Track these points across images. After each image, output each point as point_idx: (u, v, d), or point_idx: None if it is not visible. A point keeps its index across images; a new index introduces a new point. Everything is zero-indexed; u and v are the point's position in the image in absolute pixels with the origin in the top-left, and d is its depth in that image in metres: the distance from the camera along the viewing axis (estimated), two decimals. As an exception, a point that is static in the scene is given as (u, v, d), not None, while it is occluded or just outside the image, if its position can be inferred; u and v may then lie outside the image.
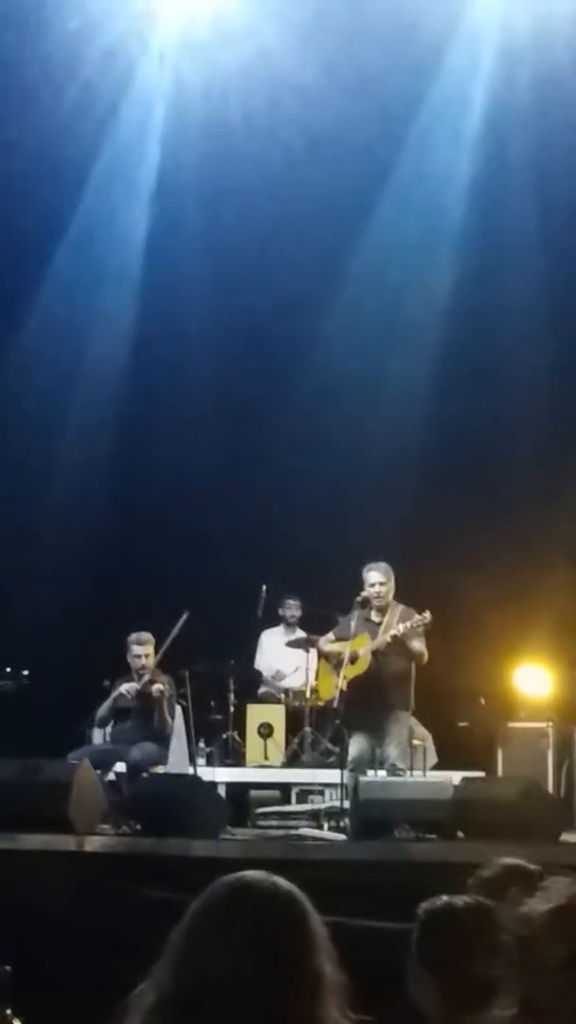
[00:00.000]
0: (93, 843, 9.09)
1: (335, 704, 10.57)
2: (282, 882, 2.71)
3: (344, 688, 10.45)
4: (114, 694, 11.17)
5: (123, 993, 2.66)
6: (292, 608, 12.74)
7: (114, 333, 14.42)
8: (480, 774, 10.90)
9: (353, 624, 10.60)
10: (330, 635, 11.05)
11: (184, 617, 11.15)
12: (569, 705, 11.29)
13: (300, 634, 12.26)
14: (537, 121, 13.46)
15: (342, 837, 9.82)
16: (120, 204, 14.50)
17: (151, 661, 11.25)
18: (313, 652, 11.61)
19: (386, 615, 10.61)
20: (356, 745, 10.55)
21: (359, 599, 10.65)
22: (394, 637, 10.37)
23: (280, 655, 12.53)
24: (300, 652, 12.03)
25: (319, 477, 13.76)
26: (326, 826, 10.42)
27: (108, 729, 11.38)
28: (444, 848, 8.85)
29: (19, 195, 13.87)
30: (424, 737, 11.68)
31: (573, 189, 13.43)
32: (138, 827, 9.62)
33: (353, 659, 10.45)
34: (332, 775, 10.92)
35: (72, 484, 14.20)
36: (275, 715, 12.12)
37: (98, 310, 14.46)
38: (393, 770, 10.40)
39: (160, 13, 14.05)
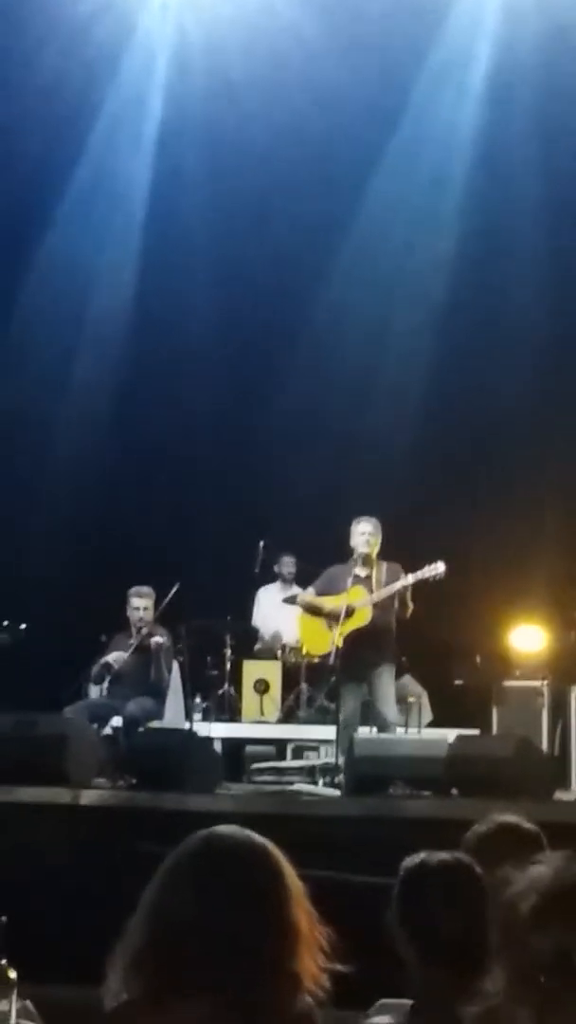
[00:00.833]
0: (89, 797, 9.13)
1: (332, 660, 10.57)
2: (253, 835, 2.73)
3: (340, 644, 10.44)
4: (103, 660, 11.17)
5: (117, 945, 2.68)
6: (288, 565, 12.76)
7: (116, 287, 14.39)
8: (475, 732, 10.93)
9: (349, 580, 10.58)
10: (311, 589, 11.03)
11: (175, 588, 11.16)
12: (564, 664, 11.32)
13: (297, 591, 12.27)
14: (541, 78, 13.38)
15: (337, 793, 9.85)
16: (122, 157, 14.45)
17: (150, 615, 11.26)
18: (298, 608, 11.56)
19: (373, 570, 10.61)
20: (350, 700, 10.56)
21: (357, 555, 10.63)
22: (404, 587, 10.36)
23: (276, 612, 12.55)
24: (296, 609, 12.03)
25: (317, 434, 13.74)
26: (321, 782, 10.45)
27: (104, 683, 11.40)
28: (438, 805, 8.88)
29: (21, 148, 13.82)
30: (419, 694, 11.72)
31: (577, 147, 13.38)
32: (134, 781, 9.65)
33: (349, 613, 10.44)
34: (327, 731, 10.95)
35: (72, 438, 14.20)
36: (271, 671, 12.16)
37: (100, 263, 14.43)
38: (385, 725, 10.42)
39: (161, -36, 13.98)
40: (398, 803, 9.05)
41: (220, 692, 12.19)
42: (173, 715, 11.43)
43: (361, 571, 10.60)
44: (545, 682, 11.22)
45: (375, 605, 10.45)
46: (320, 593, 10.86)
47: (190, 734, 10.66)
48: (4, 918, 3.95)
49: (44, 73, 13.68)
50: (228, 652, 12.28)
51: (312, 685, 11.95)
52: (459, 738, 9.92)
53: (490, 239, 13.56)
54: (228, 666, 12.27)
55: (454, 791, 9.22)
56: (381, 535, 10.68)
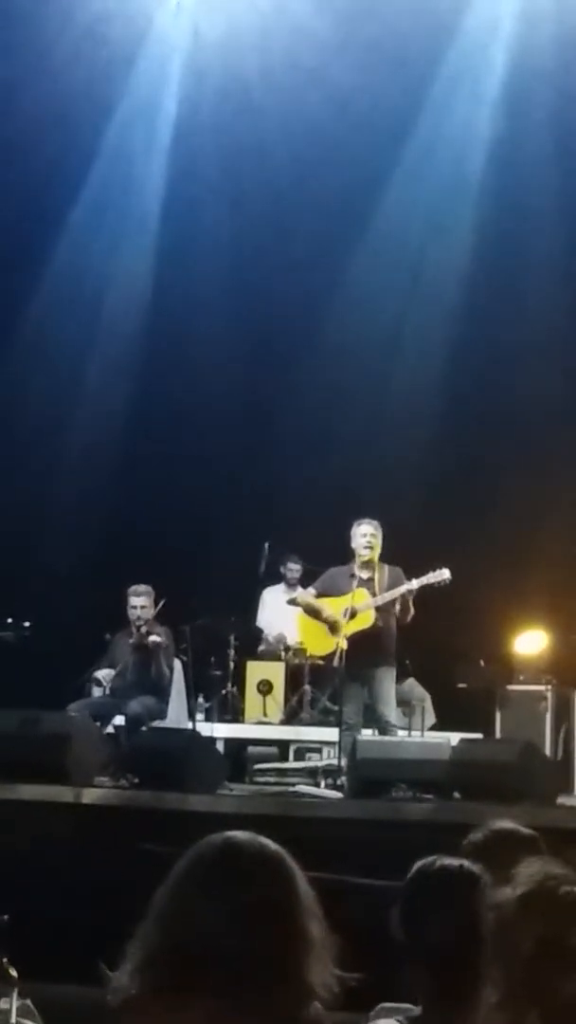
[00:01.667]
0: (91, 795, 9.14)
1: (336, 663, 10.57)
2: (269, 843, 2.72)
3: (344, 647, 10.43)
4: (94, 676, 11.18)
5: (118, 945, 2.68)
6: (293, 567, 12.74)
7: (130, 288, 14.40)
8: (478, 736, 10.92)
9: (353, 582, 10.57)
10: (311, 589, 11.02)
11: (163, 602, 11.18)
12: (568, 668, 11.31)
13: (300, 591, 12.26)
14: (557, 82, 13.38)
15: (339, 795, 9.85)
16: (137, 158, 14.45)
17: (148, 613, 11.26)
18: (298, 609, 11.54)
19: (375, 572, 10.60)
20: (352, 703, 10.56)
21: (358, 557, 10.63)
22: (410, 590, 10.35)
23: (281, 613, 12.54)
24: (301, 610, 12.02)
25: (326, 437, 13.74)
26: (323, 784, 10.44)
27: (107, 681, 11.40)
28: (440, 808, 8.88)
29: (36, 150, 13.82)
30: (423, 698, 11.71)
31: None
32: (136, 780, 9.66)
33: (353, 614, 10.43)
34: (330, 733, 10.94)
35: (80, 438, 14.21)
36: (275, 672, 12.15)
37: (115, 265, 14.43)
38: (387, 727, 10.42)
39: (176, -36, 13.99)
40: (400, 806, 9.05)
41: (223, 692, 12.18)
42: (176, 715, 11.43)
43: (363, 573, 10.60)
44: (549, 686, 11.21)
45: (377, 608, 10.45)
46: (320, 594, 10.85)
47: (193, 734, 10.66)
48: (5, 917, 3.96)
49: (58, 74, 13.68)
50: (232, 653, 12.27)
51: (315, 687, 11.94)
52: (462, 742, 9.91)
53: (506, 243, 13.54)
54: (232, 667, 12.27)
55: (456, 795, 9.22)
56: (382, 537, 10.67)
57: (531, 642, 11.82)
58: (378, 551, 10.63)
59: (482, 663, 11.66)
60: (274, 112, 13.72)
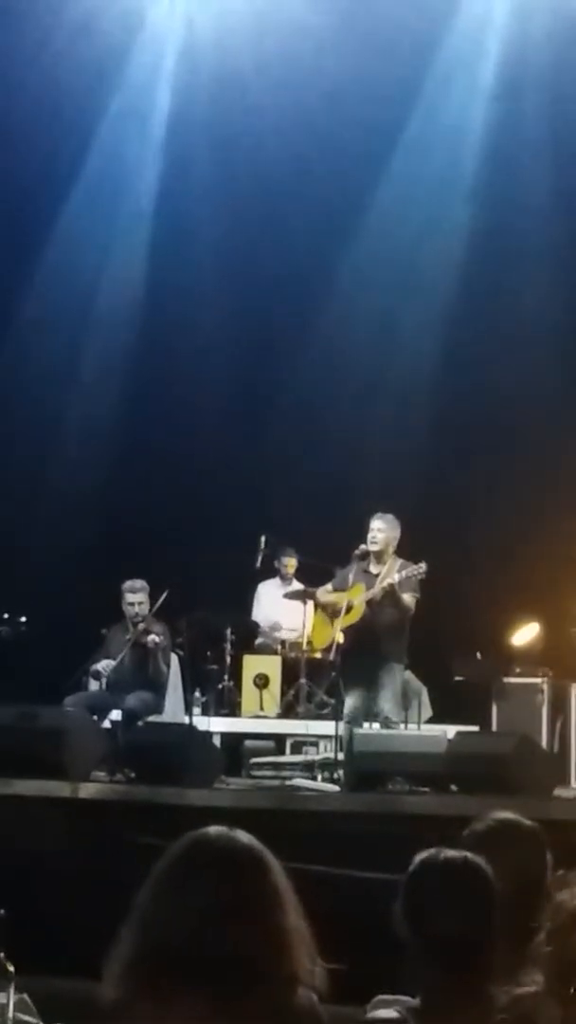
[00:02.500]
0: (88, 790, 9.14)
1: (332, 656, 10.58)
2: (242, 836, 2.71)
3: (340, 640, 10.46)
4: (92, 668, 11.16)
5: (115, 940, 2.68)
6: (286, 561, 12.73)
7: (124, 280, 14.38)
8: (475, 728, 10.93)
9: (351, 576, 10.60)
10: (328, 586, 11.05)
11: (165, 594, 11.16)
12: (564, 660, 11.31)
13: (297, 586, 12.28)
14: (551, 74, 13.36)
15: (336, 788, 9.86)
16: (131, 150, 14.42)
17: (145, 608, 11.25)
18: (311, 604, 11.60)
19: (385, 567, 10.61)
20: (351, 697, 10.57)
21: (358, 551, 10.64)
22: (390, 586, 10.36)
23: (277, 607, 12.55)
24: (297, 604, 12.04)
25: (321, 430, 13.74)
26: (320, 777, 10.46)
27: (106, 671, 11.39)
28: (437, 801, 8.90)
29: (30, 142, 13.80)
30: (419, 690, 11.72)
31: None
32: (133, 775, 9.66)
33: (348, 608, 10.45)
34: (327, 727, 10.95)
35: (75, 431, 14.20)
36: (271, 666, 12.15)
37: (109, 258, 14.41)
38: (387, 723, 10.42)
39: (170, -42, 13.98)
40: (397, 799, 9.07)
41: (220, 686, 12.18)
42: (172, 709, 11.43)
43: (374, 568, 10.62)
44: (545, 679, 11.21)
45: (368, 603, 10.47)
46: (336, 589, 10.89)
47: (189, 728, 10.66)
48: (2, 911, 3.96)
49: (51, 68, 13.66)
50: (228, 647, 12.27)
51: (312, 680, 11.96)
52: (459, 735, 9.93)
53: (500, 235, 13.53)
54: (228, 660, 12.27)
55: (453, 787, 9.23)
56: (398, 532, 10.66)
57: (527, 634, 11.83)
58: (389, 546, 10.62)
59: (479, 656, 11.67)
60: (268, 105, 13.70)
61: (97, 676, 11.15)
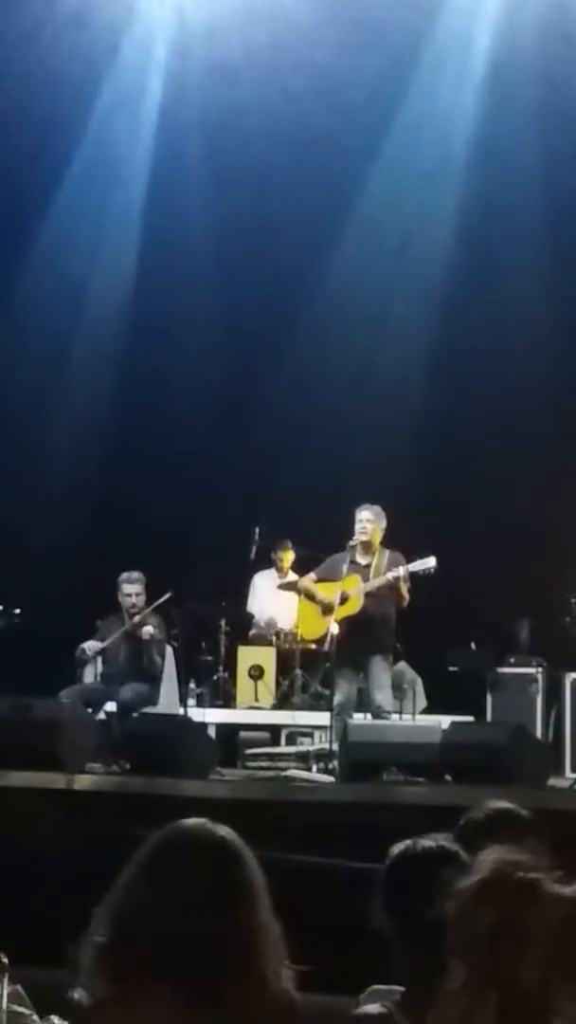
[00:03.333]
0: (83, 781, 9.14)
1: (327, 647, 10.58)
2: (219, 829, 2.70)
3: (335, 631, 10.45)
4: (81, 648, 11.15)
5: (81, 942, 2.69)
6: (280, 551, 12.72)
7: (115, 270, 14.36)
8: (469, 718, 10.95)
9: (345, 567, 10.60)
10: (312, 575, 11.05)
11: (167, 595, 11.16)
12: (559, 651, 11.33)
13: (292, 577, 12.27)
14: (541, 64, 13.36)
15: (331, 779, 9.86)
16: (122, 141, 14.40)
17: (142, 600, 11.25)
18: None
19: (374, 558, 10.62)
20: (344, 687, 10.57)
21: (353, 543, 10.65)
22: (396, 579, 10.37)
23: (272, 598, 12.54)
24: (292, 595, 12.03)
25: (316, 421, 13.73)
26: (315, 768, 10.47)
27: (99, 668, 11.39)
28: (432, 791, 8.90)
29: (21, 132, 13.78)
30: (414, 681, 11.73)
31: (577, 131, 13.36)
32: (128, 766, 9.66)
33: (343, 600, 10.45)
34: (322, 717, 10.96)
35: (69, 422, 14.18)
36: (266, 657, 12.15)
37: (100, 247, 14.39)
38: (379, 713, 10.43)
39: (161, -51, 13.96)
40: (392, 789, 9.07)
41: (215, 678, 12.18)
42: (167, 700, 11.43)
43: (362, 559, 10.63)
44: (539, 669, 11.23)
45: (367, 594, 10.47)
46: (320, 579, 10.89)
47: (184, 719, 10.67)
48: (-4, 902, 3.95)
49: (43, 56, 13.64)
50: (223, 638, 12.27)
51: (307, 671, 11.95)
52: (453, 725, 9.93)
53: (490, 224, 13.53)
54: (223, 652, 12.26)
55: (448, 777, 9.24)
56: (384, 523, 10.68)
57: (521, 624, 11.84)
58: (376, 536, 10.65)
59: (473, 646, 11.68)
60: (258, 95, 13.69)
61: (83, 655, 11.11)
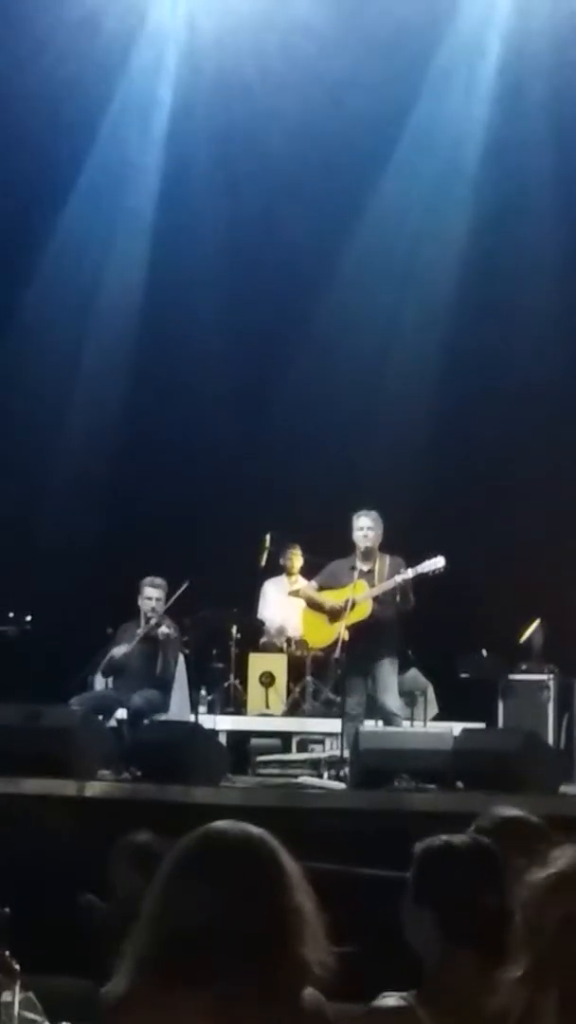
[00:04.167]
0: (94, 788, 9.14)
1: (337, 654, 10.58)
2: (251, 828, 2.74)
3: (345, 638, 10.46)
4: (109, 654, 11.15)
5: (124, 936, 2.68)
6: (290, 557, 12.71)
7: (126, 278, 14.38)
8: (480, 725, 10.92)
9: (355, 573, 10.61)
10: (313, 583, 11.06)
11: (185, 584, 11.17)
12: (570, 657, 11.29)
13: (301, 583, 12.25)
14: (552, 71, 13.37)
15: (342, 786, 9.85)
16: (132, 149, 14.43)
17: (162, 606, 11.29)
18: (301, 601, 11.56)
19: (375, 563, 10.64)
20: (354, 694, 10.57)
21: (357, 550, 10.66)
22: (405, 581, 10.38)
23: (283, 605, 12.52)
24: (302, 602, 12.02)
25: (326, 426, 13.74)
26: (326, 775, 10.46)
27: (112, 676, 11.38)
28: (443, 798, 8.88)
29: (32, 141, 13.80)
30: (425, 687, 11.71)
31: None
32: (139, 773, 9.66)
33: (352, 606, 10.47)
34: (333, 724, 10.94)
35: (80, 429, 14.19)
36: (277, 664, 12.13)
37: (110, 255, 14.41)
38: (389, 717, 10.43)
39: (172, -43, 13.98)
40: (403, 796, 9.06)
41: (225, 685, 12.17)
42: (178, 708, 11.43)
43: (364, 565, 10.65)
44: (551, 675, 11.20)
45: (375, 599, 10.48)
46: (322, 587, 10.91)
47: (195, 727, 10.66)
48: (7, 910, 3.96)
49: (54, 65, 13.66)
50: (233, 645, 12.26)
51: (318, 678, 11.93)
52: (465, 731, 9.91)
53: (501, 231, 13.53)
54: (233, 659, 12.25)
55: (459, 784, 9.22)
56: (382, 528, 10.71)
57: (533, 631, 11.81)
58: (377, 542, 10.67)
59: (484, 652, 11.66)
60: (269, 102, 13.71)
61: (112, 660, 11.13)
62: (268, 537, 12.60)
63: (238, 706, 12.10)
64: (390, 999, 3.34)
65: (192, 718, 11.17)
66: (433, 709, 11.76)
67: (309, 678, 11.89)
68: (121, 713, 11.01)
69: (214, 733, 10.86)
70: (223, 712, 11.88)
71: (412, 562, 10.55)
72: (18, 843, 7.94)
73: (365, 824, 8.35)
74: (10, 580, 12.52)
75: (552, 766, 9.53)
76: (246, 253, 13.85)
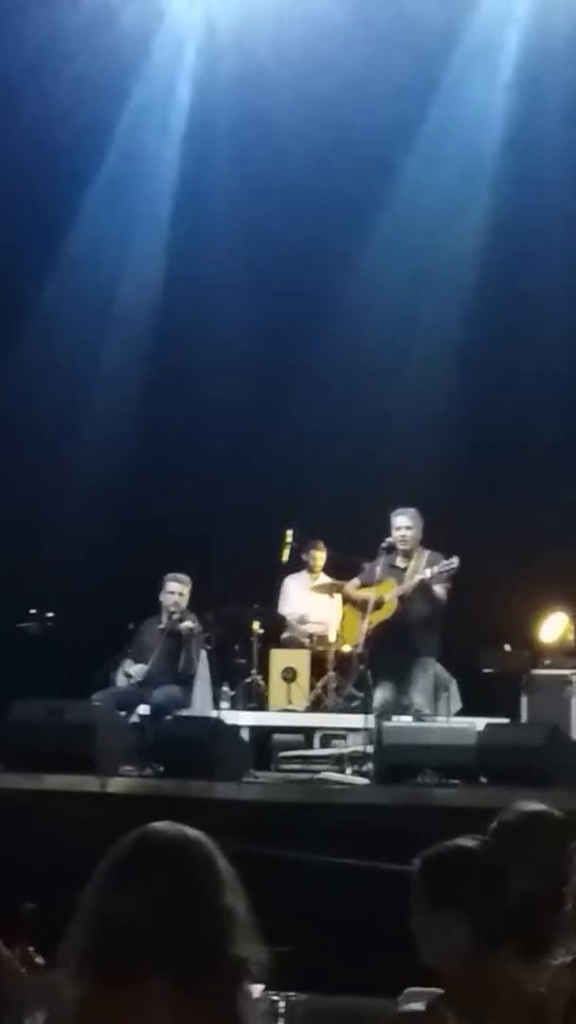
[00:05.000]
0: (116, 784, 9.16)
1: (360, 649, 10.58)
2: (188, 830, 2.77)
3: (370, 634, 10.46)
4: (127, 672, 11.18)
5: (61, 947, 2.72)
6: (312, 553, 12.70)
7: (144, 273, 14.37)
8: (504, 720, 10.91)
9: (379, 570, 10.61)
10: (355, 580, 11.07)
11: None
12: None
13: (325, 579, 12.25)
14: (572, 62, 13.32)
15: (365, 781, 9.85)
16: (151, 144, 14.42)
17: (185, 601, 11.31)
18: (338, 597, 11.61)
19: (412, 560, 10.63)
20: (381, 690, 10.57)
21: (384, 544, 10.65)
22: (421, 582, 10.38)
23: (305, 601, 12.52)
24: (325, 597, 12.02)
25: (347, 422, 13.71)
26: (349, 770, 10.45)
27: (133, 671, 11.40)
28: (467, 793, 8.88)
29: (50, 136, 13.81)
30: (448, 683, 11.69)
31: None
32: (161, 769, 9.67)
33: (379, 604, 10.47)
34: (355, 720, 10.94)
35: (99, 425, 14.19)
36: (299, 659, 12.12)
37: (129, 250, 14.40)
38: (418, 716, 10.42)
39: (190, -48, 13.98)
40: (427, 792, 9.05)
41: (248, 680, 12.16)
42: (201, 703, 11.43)
43: (400, 562, 10.65)
44: (575, 670, 11.17)
45: (400, 597, 10.48)
46: (363, 585, 10.91)
47: (217, 722, 10.66)
48: (31, 905, 3.97)
49: (72, 60, 13.68)
50: (255, 640, 12.26)
51: (340, 674, 11.93)
52: (488, 727, 9.90)
53: (520, 224, 13.49)
54: (256, 654, 12.25)
55: (483, 780, 9.21)
56: (422, 524, 10.70)
57: (557, 626, 11.77)
58: (416, 541, 10.67)
59: (508, 648, 11.63)
60: (288, 97, 13.69)
61: (128, 677, 11.19)
62: (289, 533, 12.60)
63: (260, 702, 12.10)
64: (416, 1004, 3.33)
65: (214, 714, 11.17)
66: (457, 704, 11.74)
67: (332, 673, 11.89)
68: (143, 709, 11.02)
69: (236, 729, 10.86)
70: (245, 708, 11.87)
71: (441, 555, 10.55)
72: (41, 839, 7.96)
73: (389, 820, 8.34)
74: (32, 576, 12.53)
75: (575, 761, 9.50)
76: (264, 248, 13.83)
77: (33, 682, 10.50)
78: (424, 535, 10.83)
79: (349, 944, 6.98)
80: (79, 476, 13.90)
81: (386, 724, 10.09)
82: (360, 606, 10.84)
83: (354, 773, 10.30)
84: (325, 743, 11.60)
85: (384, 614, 10.52)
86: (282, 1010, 4.09)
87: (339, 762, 10.82)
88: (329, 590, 11.92)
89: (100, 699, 10.65)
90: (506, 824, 4.06)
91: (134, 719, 10.94)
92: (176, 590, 11.31)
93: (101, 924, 2.64)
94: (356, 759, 10.52)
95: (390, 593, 10.53)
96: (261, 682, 12.18)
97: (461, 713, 11.61)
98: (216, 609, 11.51)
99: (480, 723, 10.05)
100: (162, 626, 11.23)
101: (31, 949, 3.87)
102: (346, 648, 11.55)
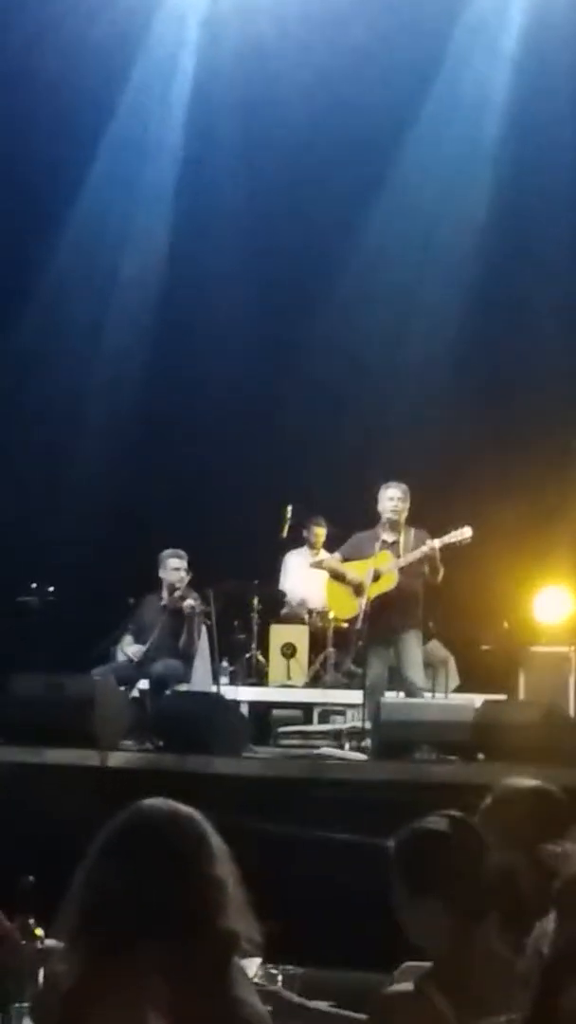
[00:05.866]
0: (116, 759, 9.17)
1: (359, 625, 10.58)
2: (180, 806, 2.82)
3: (367, 609, 10.45)
4: (125, 652, 11.19)
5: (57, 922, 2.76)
6: (313, 529, 12.71)
7: (147, 251, 14.37)
8: (501, 697, 10.93)
9: (379, 544, 10.60)
10: (337, 554, 11.05)
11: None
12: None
13: (324, 555, 12.26)
14: (575, 39, 13.28)
15: (363, 757, 9.87)
16: (154, 120, 14.41)
17: (185, 578, 11.30)
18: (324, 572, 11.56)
19: (400, 535, 10.63)
20: (376, 665, 10.58)
21: (385, 520, 10.65)
22: (433, 550, 10.37)
23: (305, 577, 12.54)
24: (324, 573, 12.02)
25: (346, 398, 13.72)
26: (347, 746, 10.48)
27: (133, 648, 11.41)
28: (464, 769, 8.90)
29: (52, 112, 13.77)
30: (446, 659, 11.72)
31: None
32: (160, 744, 9.69)
33: (376, 577, 10.45)
34: (354, 695, 10.96)
35: (101, 402, 14.21)
36: (298, 635, 12.15)
37: (131, 227, 14.40)
38: (412, 690, 10.44)
39: None
40: (424, 768, 9.07)
41: (247, 656, 12.20)
42: (200, 678, 11.45)
43: (389, 536, 10.63)
44: (573, 647, 11.19)
45: (401, 570, 10.47)
46: (346, 558, 10.89)
47: (217, 697, 10.69)
48: (31, 878, 4.00)
49: (74, 36, 13.63)
50: (255, 616, 12.28)
51: (339, 649, 11.95)
52: (486, 703, 9.92)
53: (522, 202, 13.47)
54: (255, 630, 12.28)
55: (480, 756, 9.23)
56: (409, 501, 10.69)
57: (554, 603, 11.80)
58: (404, 514, 10.66)
59: (505, 625, 11.66)
60: (290, 73, 13.67)
61: (128, 659, 11.20)
62: (289, 509, 12.61)
63: (260, 677, 12.13)
64: (402, 985, 3.36)
65: (214, 689, 11.20)
66: (454, 681, 11.77)
67: (331, 649, 11.92)
68: (143, 684, 11.04)
69: (236, 704, 10.88)
70: (245, 683, 11.91)
71: (434, 533, 10.54)
72: (41, 813, 7.99)
73: (386, 795, 8.36)
74: (33, 551, 12.55)
75: (573, 738, 9.52)
76: (266, 225, 13.82)
77: (33, 656, 10.53)
78: (423, 510, 10.83)
79: (346, 918, 7.03)
80: (80, 450, 13.92)
81: (384, 700, 10.12)
82: (348, 581, 10.79)
83: (352, 749, 10.33)
84: (324, 719, 11.64)
85: (384, 587, 10.51)
86: (279, 983, 4.12)
87: (338, 738, 10.85)
88: (316, 565, 11.91)
89: (100, 674, 10.66)
90: (501, 800, 4.09)
91: (134, 694, 10.97)
92: (180, 567, 11.32)
93: (93, 897, 2.68)
94: (355, 735, 10.55)
95: (388, 565, 10.52)
96: (260, 658, 12.21)
97: (459, 690, 11.65)
98: (216, 585, 11.52)
99: (477, 700, 10.07)
100: (163, 603, 11.24)
101: (31, 921, 3.91)
102: (343, 623, 11.53)
